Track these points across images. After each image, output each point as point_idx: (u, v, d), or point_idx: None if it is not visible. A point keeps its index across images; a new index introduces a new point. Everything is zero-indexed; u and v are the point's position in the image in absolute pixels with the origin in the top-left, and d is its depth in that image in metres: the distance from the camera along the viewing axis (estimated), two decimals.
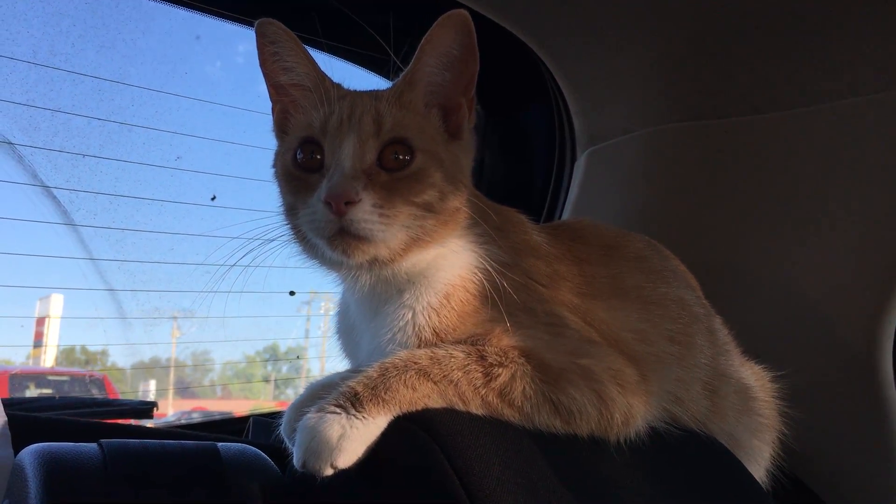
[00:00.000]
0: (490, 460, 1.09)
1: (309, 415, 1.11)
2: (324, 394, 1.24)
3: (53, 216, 2.08)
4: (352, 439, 1.07)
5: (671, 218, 2.06)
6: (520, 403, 1.16)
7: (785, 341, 1.99)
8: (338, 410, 1.10)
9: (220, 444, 1.27)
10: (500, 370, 1.16)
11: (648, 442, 1.30)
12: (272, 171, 1.36)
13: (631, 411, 1.24)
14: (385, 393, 1.12)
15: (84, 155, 2.05)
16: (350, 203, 1.15)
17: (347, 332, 1.40)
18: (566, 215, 2.22)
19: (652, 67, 1.90)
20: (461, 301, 1.26)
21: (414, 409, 1.13)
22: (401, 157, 1.23)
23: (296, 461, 1.09)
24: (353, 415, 1.10)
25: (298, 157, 1.25)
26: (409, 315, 1.25)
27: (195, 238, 2.43)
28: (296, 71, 1.30)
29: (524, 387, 1.16)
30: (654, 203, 2.09)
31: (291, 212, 1.25)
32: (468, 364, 1.16)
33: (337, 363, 1.45)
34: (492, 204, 1.40)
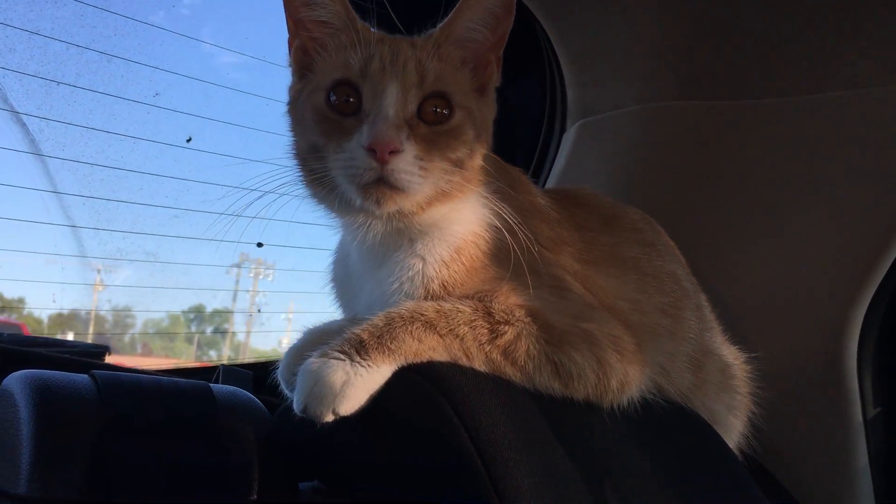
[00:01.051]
0: (496, 416, 1.08)
1: (311, 359, 1.09)
2: (325, 339, 1.23)
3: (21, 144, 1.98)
4: (355, 386, 1.06)
5: (656, 195, 2.07)
6: (523, 362, 1.16)
7: (756, 325, 2.02)
8: (342, 356, 1.08)
9: (211, 384, 1.24)
10: (506, 328, 1.16)
11: (639, 411, 1.31)
12: (288, 108, 1.31)
13: (627, 378, 1.25)
14: (391, 342, 1.10)
15: (59, 82, 1.96)
16: (394, 152, 1.12)
17: (344, 280, 1.37)
18: (551, 185, 2.22)
19: (652, 45, 1.90)
20: (471, 256, 1.25)
21: (418, 361, 1.12)
22: (440, 110, 1.21)
23: (296, 405, 1.07)
24: (358, 362, 1.08)
25: (332, 98, 1.20)
26: (420, 265, 1.24)
27: (165, 180, 2.36)
28: (326, 8, 1.25)
29: (528, 346, 1.16)
30: (641, 179, 2.10)
31: (314, 153, 1.21)
32: (475, 320, 1.16)
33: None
34: (503, 163, 1.39)
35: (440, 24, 1.27)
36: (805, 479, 2.04)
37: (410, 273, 1.23)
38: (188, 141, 2.19)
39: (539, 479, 1.06)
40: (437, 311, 1.15)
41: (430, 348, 1.12)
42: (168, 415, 1.12)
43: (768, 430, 1.72)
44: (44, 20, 1.92)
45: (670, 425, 1.40)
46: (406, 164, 1.14)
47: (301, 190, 1.27)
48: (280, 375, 1.24)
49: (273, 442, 1.20)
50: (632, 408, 1.30)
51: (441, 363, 1.13)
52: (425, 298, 1.22)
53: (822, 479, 2.03)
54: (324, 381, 1.05)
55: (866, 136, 1.82)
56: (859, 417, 1.98)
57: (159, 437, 1.09)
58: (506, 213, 1.22)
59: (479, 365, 1.15)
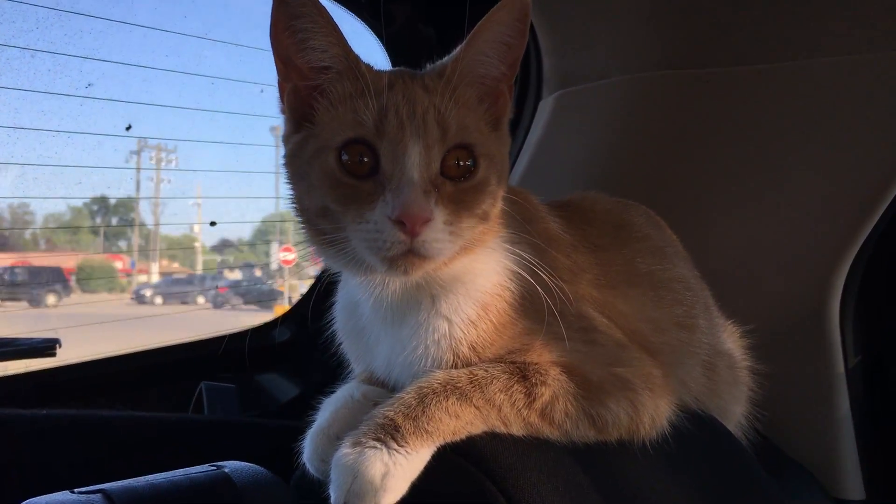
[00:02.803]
0: (544, 492, 1.05)
1: (345, 449, 1.03)
2: (347, 415, 1.16)
3: None
4: (396, 477, 1.00)
5: (639, 166, 2.01)
6: (560, 421, 1.12)
7: (743, 284, 2.03)
8: (378, 445, 1.02)
9: (228, 466, 1.16)
10: (543, 389, 1.11)
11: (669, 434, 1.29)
12: (286, 160, 1.17)
13: (657, 413, 1.22)
14: (427, 423, 1.04)
15: None
16: (426, 222, 1.02)
17: (357, 334, 1.27)
18: (526, 156, 2.13)
19: (637, 13, 1.79)
20: (499, 312, 1.17)
21: (456, 439, 1.06)
22: (463, 163, 1.10)
23: (334, 502, 1.00)
24: (395, 449, 1.01)
25: (343, 158, 1.07)
26: (446, 327, 1.14)
27: None
28: (327, 52, 1.10)
29: (566, 405, 1.12)
30: (623, 151, 2.03)
31: (326, 217, 1.09)
32: (511, 386, 1.10)
33: None
34: (512, 188, 1.29)
35: (450, 60, 1.14)
36: (791, 429, 2.10)
37: (436, 336, 1.14)
38: (128, 129, 2.01)
39: None
40: (471, 382, 1.08)
41: (467, 423, 1.06)
42: None
43: (754, 384, 1.74)
44: None
45: (696, 441, 1.38)
46: (437, 233, 1.04)
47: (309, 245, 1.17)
48: (309, 463, 1.15)
49: None
50: (663, 437, 1.27)
51: (481, 439, 1.07)
52: (454, 362, 1.14)
53: (806, 426, 2.10)
54: (363, 476, 0.99)
55: (851, 102, 1.78)
56: (841, 368, 2.04)
57: None
58: (527, 258, 1.14)
59: (516, 430, 1.10)
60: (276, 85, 1.16)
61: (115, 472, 1.13)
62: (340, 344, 1.32)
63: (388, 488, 0.99)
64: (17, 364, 2.10)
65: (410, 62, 1.26)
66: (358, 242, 1.06)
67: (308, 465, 1.16)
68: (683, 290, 1.46)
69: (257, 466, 1.20)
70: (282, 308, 5.30)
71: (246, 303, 7.72)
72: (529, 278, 1.15)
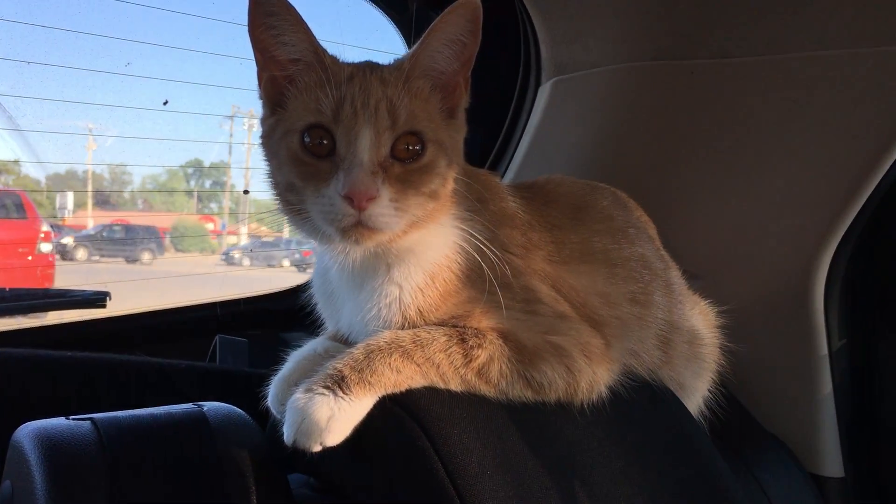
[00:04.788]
0: (470, 445, 1.19)
1: (297, 394, 1.18)
2: (307, 366, 1.31)
3: None
4: (340, 420, 1.15)
5: (630, 153, 2.10)
6: (496, 381, 1.25)
7: (730, 269, 2.11)
8: (325, 392, 1.16)
9: (206, 407, 1.32)
10: (479, 351, 1.24)
11: (607, 399, 1.40)
12: (262, 140, 1.32)
13: (595, 378, 1.34)
14: (371, 376, 1.18)
15: (29, 62, 1.95)
16: (371, 199, 1.16)
17: (328, 297, 1.43)
18: (527, 141, 2.24)
19: (625, 5, 1.88)
20: (445, 281, 1.31)
21: (397, 391, 1.20)
22: (412, 147, 1.23)
23: (286, 438, 1.16)
24: (341, 396, 1.16)
25: (305, 140, 1.22)
26: (397, 293, 1.29)
27: None
28: (296, 46, 1.24)
29: (501, 366, 1.25)
30: (614, 138, 2.12)
31: (292, 191, 1.24)
32: (450, 347, 1.23)
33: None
34: (472, 171, 1.42)
35: (407, 55, 1.27)
36: (774, 407, 2.20)
37: (388, 300, 1.29)
38: (165, 104, 2.19)
39: (511, 498, 1.18)
40: (414, 342, 1.22)
41: (408, 377, 1.21)
42: (167, 452, 1.21)
43: (739, 364, 1.83)
44: (5, 6, 1.89)
45: (640, 408, 1.49)
46: (382, 209, 1.18)
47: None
48: (270, 404, 1.33)
49: (268, 461, 1.29)
50: (601, 401, 1.39)
51: (419, 392, 1.22)
52: (402, 324, 1.29)
53: (790, 407, 2.19)
54: (310, 417, 1.14)
55: (835, 94, 1.84)
56: (824, 350, 2.11)
57: (160, 476, 1.18)
58: (475, 236, 1.27)
59: (454, 386, 1.25)
60: (256, 74, 1.31)
61: (117, 408, 1.31)
62: (316, 304, 1.48)
63: (332, 430, 1.13)
64: (71, 313, 2.33)
65: None
66: (316, 214, 1.21)
67: (270, 407, 1.32)
68: (641, 269, 1.56)
69: (235, 408, 1.36)
70: None
71: None
72: (474, 254, 1.28)
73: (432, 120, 1.28)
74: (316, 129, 1.21)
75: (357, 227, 1.18)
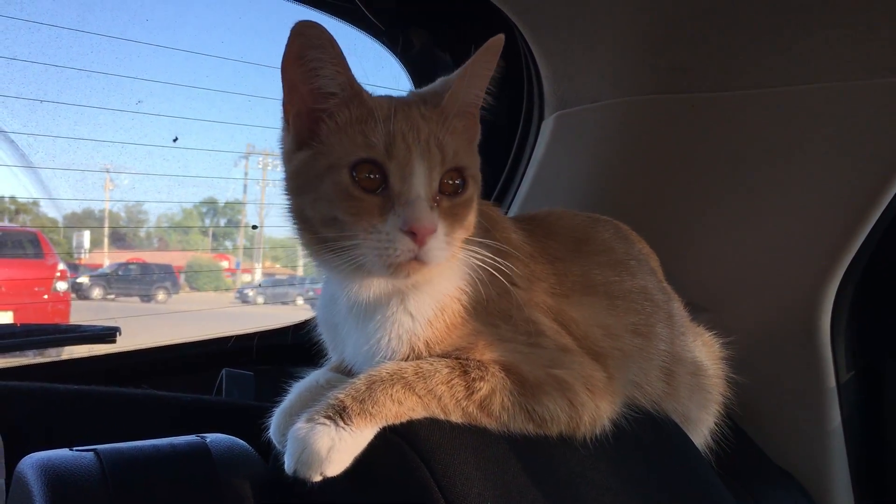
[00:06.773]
0: (470, 475, 1.19)
1: (299, 424, 1.18)
2: (309, 397, 1.32)
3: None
4: (340, 451, 1.15)
5: (633, 185, 2.12)
6: (498, 414, 1.25)
7: (735, 302, 2.12)
8: (327, 422, 1.16)
9: (208, 438, 1.33)
10: (482, 384, 1.24)
11: (610, 431, 1.40)
12: (290, 173, 1.32)
13: (598, 412, 1.34)
14: (372, 406, 1.18)
15: (42, 101, 2.00)
16: (432, 233, 1.18)
17: (333, 327, 1.43)
18: (531, 174, 2.27)
19: (624, 41, 1.90)
20: (453, 313, 1.31)
21: (399, 421, 1.20)
22: (454, 182, 1.26)
23: (287, 468, 1.16)
24: (342, 427, 1.16)
25: (353, 174, 1.22)
26: (410, 323, 1.30)
27: None
28: (334, 80, 1.25)
29: (503, 399, 1.25)
30: (617, 170, 2.14)
31: (332, 226, 1.23)
32: (452, 379, 1.23)
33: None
34: (481, 202, 1.43)
35: (444, 91, 1.30)
36: (782, 440, 2.18)
37: (400, 330, 1.29)
38: (175, 141, 2.23)
39: None
40: (416, 373, 1.22)
41: (409, 409, 1.21)
42: (169, 482, 1.22)
43: (747, 397, 1.82)
44: (19, 46, 1.95)
45: (643, 439, 1.49)
46: (439, 242, 1.20)
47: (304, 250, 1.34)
48: (272, 435, 1.33)
49: (270, 492, 1.29)
50: (604, 434, 1.38)
51: (420, 421, 1.22)
52: (408, 355, 1.29)
53: (798, 440, 2.17)
54: (311, 447, 1.14)
55: (835, 125, 1.86)
56: (832, 383, 2.10)
57: None
58: (485, 267, 1.28)
59: (456, 418, 1.24)
60: (281, 105, 1.30)
61: (121, 440, 1.32)
62: (320, 335, 1.50)
63: (332, 460, 1.14)
64: (81, 349, 2.35)
65: (428, 81, 1.41)
66: (367, 250, 1.20)
67: (272, 438, 1.33)
68: (642, 300, 1.56)
69: (237, 439, 1.37)
70: None
71: None
72: (480, 286, 1.30)
73: (469, 155, 1.31)
74: (366, 163, 1.22)
75: (411, 263, 1.20)
